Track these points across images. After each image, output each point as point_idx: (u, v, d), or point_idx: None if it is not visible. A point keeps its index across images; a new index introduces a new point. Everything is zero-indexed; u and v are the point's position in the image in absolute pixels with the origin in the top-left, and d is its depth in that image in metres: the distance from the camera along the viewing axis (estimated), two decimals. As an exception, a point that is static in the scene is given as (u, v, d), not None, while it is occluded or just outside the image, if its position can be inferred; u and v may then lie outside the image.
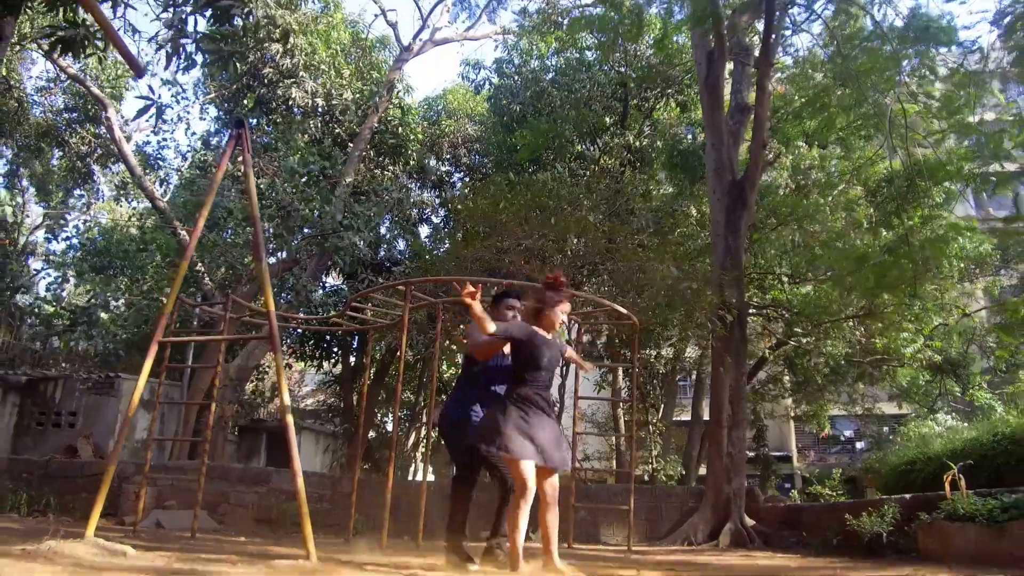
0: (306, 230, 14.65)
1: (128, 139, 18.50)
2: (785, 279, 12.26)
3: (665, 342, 12.07)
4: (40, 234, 24.25)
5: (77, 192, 22.55)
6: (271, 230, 13.80)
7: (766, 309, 12.82)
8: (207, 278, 15.90)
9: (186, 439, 12.50)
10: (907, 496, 7.06)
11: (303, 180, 13.84)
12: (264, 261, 5.43)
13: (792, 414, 19.12)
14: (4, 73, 17.91)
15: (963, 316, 12.27)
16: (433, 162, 22.33)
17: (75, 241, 23.46)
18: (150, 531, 8.50)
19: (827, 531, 7.67)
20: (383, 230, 20.02)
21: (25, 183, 22.19)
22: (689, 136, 15.62)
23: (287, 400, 4.93)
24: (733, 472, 9.72)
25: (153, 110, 8.09)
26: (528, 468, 4.03)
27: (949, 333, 12.29)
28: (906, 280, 9.84)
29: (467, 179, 22.06)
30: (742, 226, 10.75)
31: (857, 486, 16.40)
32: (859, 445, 25.66)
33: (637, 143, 17.00)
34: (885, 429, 20.84)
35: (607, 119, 18.43)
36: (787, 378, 17.30)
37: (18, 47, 17.54)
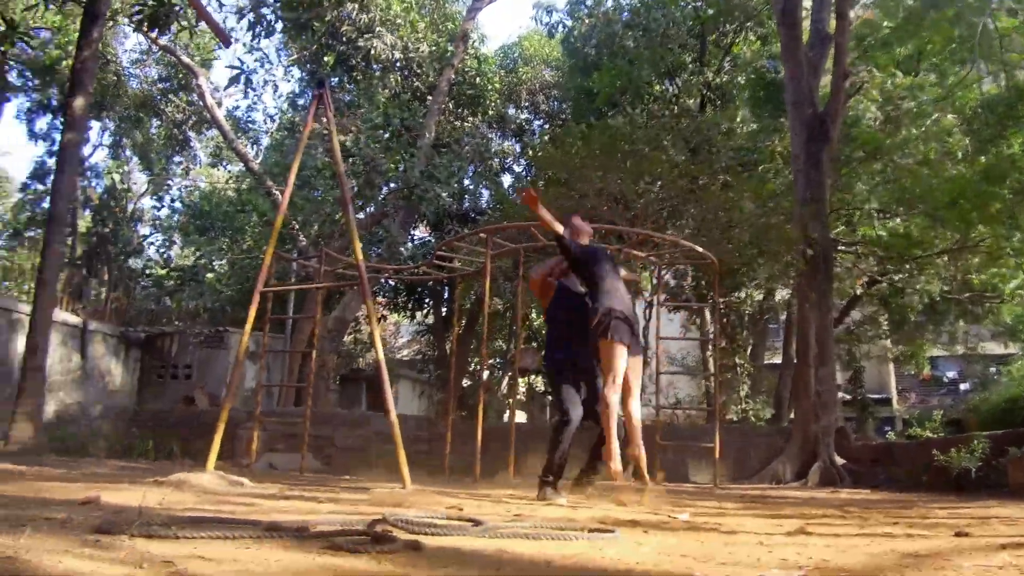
0: (392, 184, 15.05)
1: (219, 105, 19.26)
2: (875, 214, 11.84)
3: (751, 283, 11.91)
4: (147, 200, 25.67)
5: (176, 159, 23.69)
6: (356, 187, 14.23)
7: (855, 246, 12.45)
8: (301, 235, 16.60)
9: (291, 385, 13.29)
10: (998, 432, 6.93)
11: (386, 136, 14.16)
12: (351, 214, 5.74)
13: (890, 355, 18.57)
14: (100, 48, 18.88)
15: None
16: (512, 111, 22.36)
17: (178, 205, 24.83)
18: (263, 471, 9.20)
19: (917, 468, 7.61)
20: (466, 181, 20.33)
21: (128, 153, 23.43)
22: (772, 70, 15.08)
23: (379, 342, 5.27)
24: (821, 410, 9.65)
25: (243, 79, 8.46)
26: (622, 353, 4.59)
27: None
28: (1005, 211, 9.41)
29: (546, 126, 22.00)
30: (824, 160, 10.46)
31: (961, 428, 15.91)
32: (963, 387, 24.71)
33: (717, 80, 16.56)
34: (992, 369, 20.02)
35: (685, 57, 17.99)
36: (883, 318, 16.80)
37: (111, 22, 18.45)
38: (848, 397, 17.87)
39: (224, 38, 7.86)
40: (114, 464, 8.67)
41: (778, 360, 16.81)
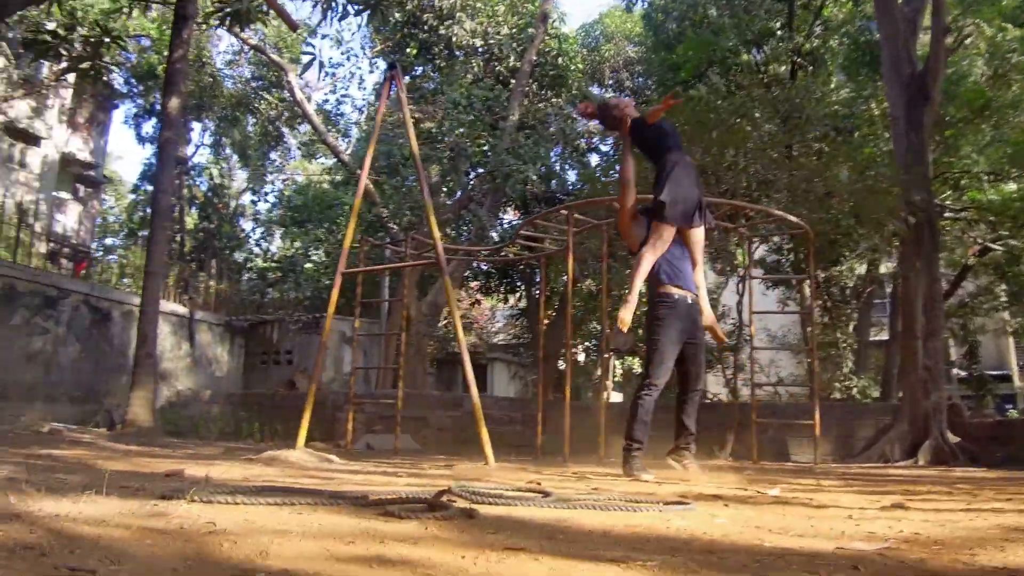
0: (479, 169, 15.11)
1: (308, 99, 19.82)
2: (984, 177, 10.99)
3: (852, 254, 11.32)
4: (247, 196, 26.76)
5: (272, 154, 24.59)
6: (438, 174, 14.36)
7: (964, 212, 11.63)
8: (392, 223, 16.92)
9: (384, 367, 13.62)
10: None
11: (469, 118, 14.21)
12: (428, 196, 5.77)
13: (1009, 328, 17.36)
14: (195, 51, 19.76)
15: None
16: (597, 89, 22.08)
17: (274, 199, 25.81)
18: (360, 451, 9.47)
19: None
20: (553, 162, 20.24)
21: (228, 151, 24.46)
22: (868, 31, 14.24)
23: (459, 321, 5.28)
24: (931, 385, 9.12)
25: (316, 64, 8.61)
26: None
27: None
28: None
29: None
30: (925, 122, 9.82)
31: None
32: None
33: (807, 45, 15.78)
34: None
35: (772, 24, 17.24)
36: (999, 288, 15.70)
37: (204, 25, 19.26)
38: (963, 374, 16.82)
39: (291, 24, 8.07)
40: (221, 444, 9.11)
41: (885, 336, 16.01)
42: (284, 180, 25.75)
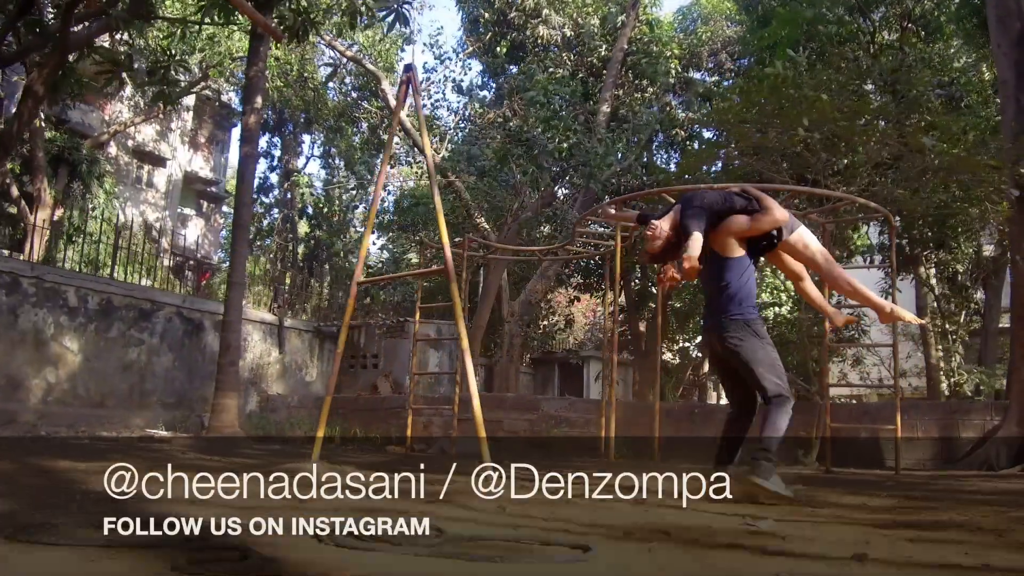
0: (565, 165, 14.82)
1: (403, 107, 20.13)
2: None
3: (963, 236, 10.23)
4: (359, 203, 27.66)
5: (377, 162, 25.26)
6: (519, 172, 14.21)
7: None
8: (482, 222, 16.94)
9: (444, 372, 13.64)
10: None
11: (547, 114, 13.98)
12: (437, 197, 5.69)
13: None
14: (295, 68, 20.59)
15: None
16: (697, 74, 21.27)
17: (381, 205, 26.49)
18: (432, 455, 9.51)
19: None
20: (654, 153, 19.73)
21: (336, 161, 25.37)
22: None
23: (463, 328, 5.13)
24: (1047, 382, 8.08)
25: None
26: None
27: None
28: None
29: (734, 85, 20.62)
30: (1039, 84, 8.69)
31: None
32: None
33: (917, 9, 14.43)
34: None
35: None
36: None
37: (308, 43, 20.01)
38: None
39: (275, 34, 8.22)
40: (291, 450, 9.38)
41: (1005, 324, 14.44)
42: (385, 187, 26.41)
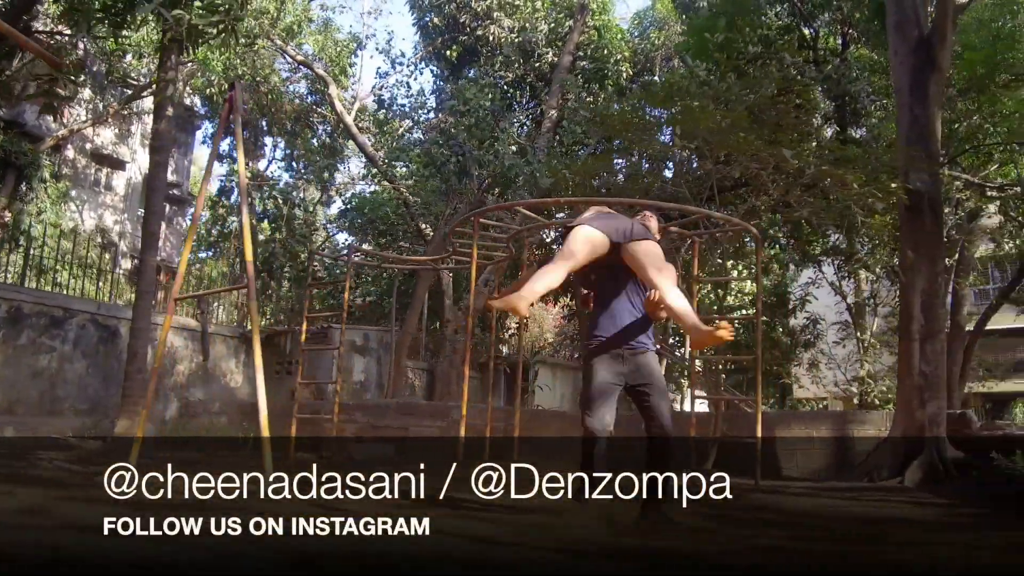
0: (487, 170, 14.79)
1: (350, 112, 20.17)
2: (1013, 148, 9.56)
3: (870, 246, 10.23)
4: (319, 207, 27.63)
5: (339, 166, 25.28)
6: (454, 178, 14.21)
7: (996, 191, 10.20)
8: (428, 229, 16.90)
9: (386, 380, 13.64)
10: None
11: (471, 121, 13.97)
12: (246, 216, 5.64)
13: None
14: (251, 71, 20.55)
15: None
16: (652, 78, 21.24)
17: (339, 207, 26.57)
18: (337, 460, 9.48)
19: None
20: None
21: (295, 164, 25.35)
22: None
23: (257, 341, 5.10)
24: (928, 393, 8.07)
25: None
26: None
27: None
28: None
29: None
30: (931, 92, 8.67)
31: None
32: None
33: (858, 15, 14.45)
34: None
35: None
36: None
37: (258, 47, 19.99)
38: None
39: (53, 62, 8.36)
40: (187, 456, 9.36)
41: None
42: (339, 192, 26.45)
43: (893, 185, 7.95)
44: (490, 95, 15.41)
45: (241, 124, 6.35)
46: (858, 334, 11.86)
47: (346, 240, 27.44)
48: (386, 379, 13.99)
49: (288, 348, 13.85)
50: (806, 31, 16.06)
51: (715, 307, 13.37)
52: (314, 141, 24.16)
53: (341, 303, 18.16)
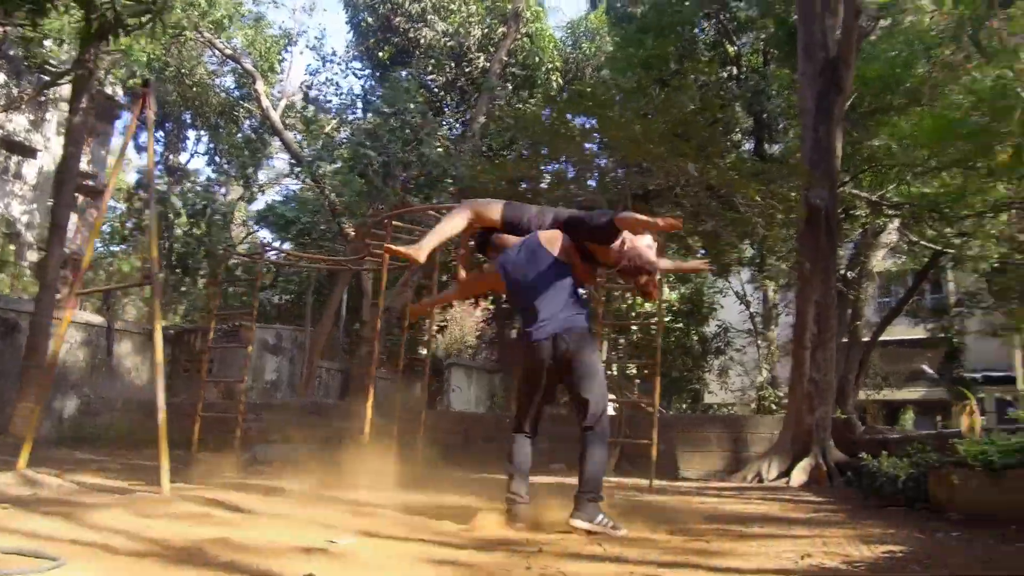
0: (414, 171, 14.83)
1: (277, 108, 19.88)
2: (913, 169, 10.09)
3: (771, 256, 10.68)
4: (243, 206, 27.11)
5: (264, 162, 24.84)
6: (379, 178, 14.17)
7: (892, 208, 10.78)
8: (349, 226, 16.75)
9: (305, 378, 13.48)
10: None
11: (397, 123, 13.97)
12: (152, 209, 5.59)
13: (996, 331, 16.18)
14: (177, 62, 20.07)
15: None
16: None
17: (259, 206, 26.13)
18: (246, 462, 9.31)
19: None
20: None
21: (219, 159, 24.83)
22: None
23: (159, 334, 5.03)
24: (817, 399, 8.46)
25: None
26: None
27: None
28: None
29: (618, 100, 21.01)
30: (835, 114, 9.12)
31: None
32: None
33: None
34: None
35: (749, 11, 16.45)
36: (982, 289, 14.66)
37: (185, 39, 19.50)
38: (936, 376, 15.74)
39: None
40: (77, 457, 9.06)
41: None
42: (260, 187, 26.03)
43: (793, 196, 8.31)
44: (419, 98, 15.44)
45: (154, 121, 6.22)
46: (759, 342, 12.30)
47: (266, 239, 27.09)
48: (298, 379, 13.83)
49: (199, 346, 13.56)
50: (731, 48, 16.66)
51: (632, 313, 13.76)
52: (239, 136, 23.72)
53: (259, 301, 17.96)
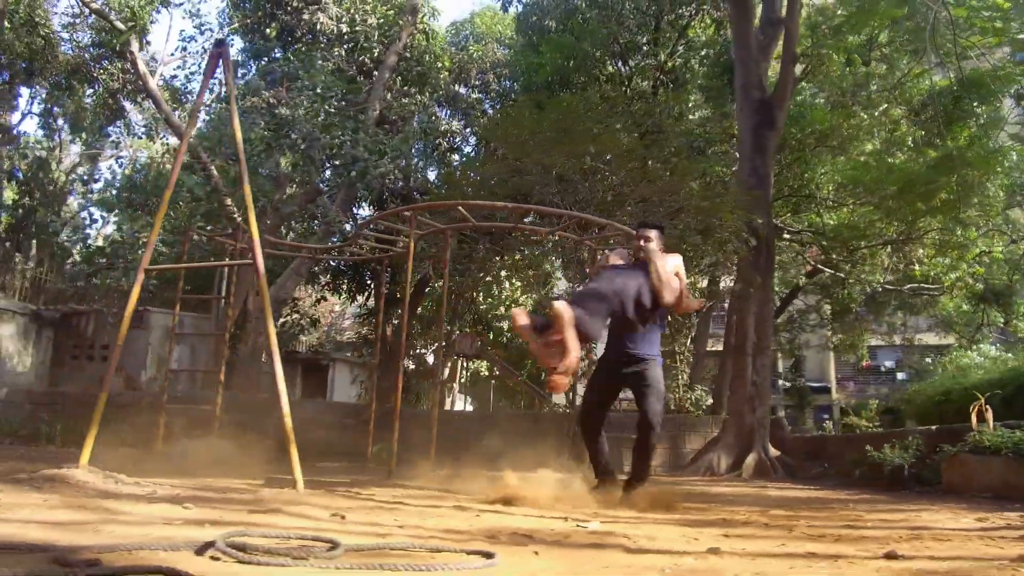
0: (335, 161, 14.45)
1: (153, 73, 18.37)
2: (823, 202, 11.67)
3: (695, 269, 11.72)
4: (81, 171, 24.57)
5: (111, 129, 22.65)
6: (294, 162, 13.64)
7: (800, 234, 12.32)
8: (236, 213, 15.85)
9: (210, 370, 12.73)
10: (932, 428, 6.81)
11: (326, 108, 13.56)
12: (247, 188, 5.35)
13: (831, 344, 18.68)
14: (25, 11, 17.87)
15: (1010, 243, 11.68)
16: (463, 89, 21.84)
17: (107, 178, 23.83)
18: (172, 459, 8.68)
19: (850, 463, 7.47)
20: (415, 160, 19.76)
21: (60, 122, 22.32)
22: (726, 53, 14.89)
23: (272, 325, 4.88)
24: (758, 401, 9.54)
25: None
26: None
27: (993, 261, 11.73)
28: (951, 203, 9.34)
29: (498, 106, 21.51)
30: (770, 147, 10.29)
31: (897, 417, 16.11)
32: (900, 376, 25.11)
33: (670, 63, 16.29)
34: (927, 360, 20.36)
35: (640, 38, 17.66)
36: (827, 307, 16.84)
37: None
38: (788, 384, 17.89)
39: None
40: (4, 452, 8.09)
41: (719, 347, 16.76)
42: (121, 159, 23.83)
43: (750, 221, 9.31)
44: (353, 84, 15.00)
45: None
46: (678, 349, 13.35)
47: (103, 214, 24.75)
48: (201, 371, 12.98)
49: (91, 331, 12.31)
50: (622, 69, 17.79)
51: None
52: (89, 100, 21.50)
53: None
